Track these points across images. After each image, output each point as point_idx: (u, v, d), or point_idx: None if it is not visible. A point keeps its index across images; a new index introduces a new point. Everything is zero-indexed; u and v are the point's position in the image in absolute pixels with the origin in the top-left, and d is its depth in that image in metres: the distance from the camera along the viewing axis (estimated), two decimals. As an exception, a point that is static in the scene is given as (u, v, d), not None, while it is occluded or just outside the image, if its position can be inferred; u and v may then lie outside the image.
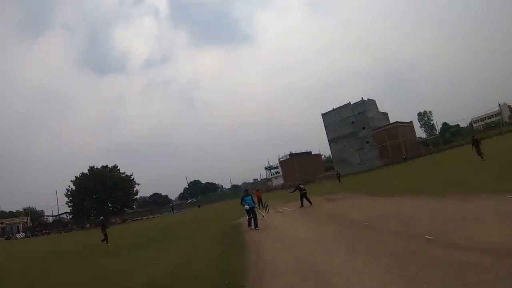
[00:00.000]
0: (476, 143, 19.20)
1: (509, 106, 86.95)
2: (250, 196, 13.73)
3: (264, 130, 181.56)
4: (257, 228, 12.82)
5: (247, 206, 13.24)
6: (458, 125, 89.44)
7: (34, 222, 75.22)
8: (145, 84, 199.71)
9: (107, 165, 74.89)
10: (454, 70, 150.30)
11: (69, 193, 70.83)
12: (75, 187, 70.77)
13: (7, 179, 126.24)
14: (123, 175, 75.27)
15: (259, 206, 21.73)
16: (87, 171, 72.77)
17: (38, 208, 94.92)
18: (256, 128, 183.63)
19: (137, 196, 78.90)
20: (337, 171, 45.67)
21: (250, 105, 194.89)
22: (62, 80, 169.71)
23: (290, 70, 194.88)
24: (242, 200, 13.60)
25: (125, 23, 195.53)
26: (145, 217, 76.92)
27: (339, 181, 37.66)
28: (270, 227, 12.90)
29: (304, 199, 17.99)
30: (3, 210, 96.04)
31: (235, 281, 6.05)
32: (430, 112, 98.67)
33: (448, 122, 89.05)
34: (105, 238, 17.30)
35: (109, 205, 74.05)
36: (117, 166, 75.77)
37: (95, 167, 73.55)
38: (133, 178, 76.35)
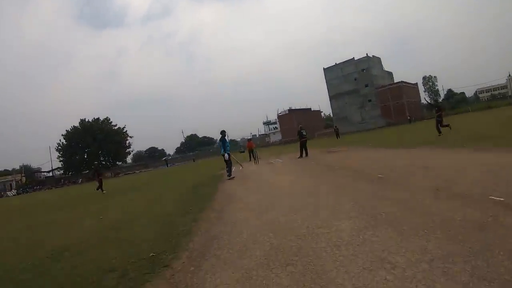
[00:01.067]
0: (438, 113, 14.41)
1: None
2: (221, 142, 12.26)
3: (265, 86, 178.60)
4: (229, 178, 11.35)
5: (226, 155, 11.72)
6: (463, 93, 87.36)
7: (28, 179, 74.05)
8: (144, 38, 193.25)
9: (98, 118, 71.74)
10: (462, 38, 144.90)
11: (59, 147, 68.43)
12: (66, 141, 68.23)
13: (4, 136, 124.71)
14: (115, 127, 72.48)
15: (250, 157, 20.41)
16: (78, 125, 69.79)
17: (34, 165, 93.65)
18: (257, 84, 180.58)
19: (130, 149, 76.32)
20: (336, 127, 42.60)
21: (251, 60, 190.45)
22: (58, 36, 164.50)
23: (295, 27, 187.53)
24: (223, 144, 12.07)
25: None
26: (138, 171, 75.85)
27: (337, 137, 35.51)
28: (252, 178, 10.56)
29: (303, 149, 15.67)
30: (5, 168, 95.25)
31: (167, 251, 3.75)
32: (435, 77, 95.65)
33: (452, 89, 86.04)
34: (100, 186, 16.66)
35: (101, 158, 72.02)
36: (109, 118, 72.69)
37: (86, 119, 70.42)
38: (126, 131, 73.54)
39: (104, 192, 16.08)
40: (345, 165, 9.35)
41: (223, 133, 12.39)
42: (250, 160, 19.46)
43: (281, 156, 20.63)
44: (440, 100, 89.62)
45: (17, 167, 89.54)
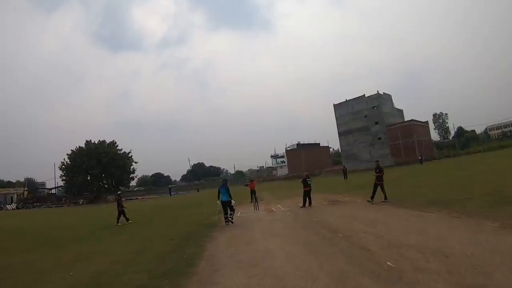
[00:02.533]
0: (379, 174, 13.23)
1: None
2: (224, 188, 12.25)
3: (274, 118, 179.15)
4: (230, 223, 11.86)
5: (219, 202, 12.19)
6: (474, 130, 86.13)
7: (31, 193, 73.66)
8: (159, 64, 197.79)
9: (104, 140, 71.56)
10: (473, 76, 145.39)
11: (63, 166, 68.02)
12: (70, 161, 67.88)
13: (15, 148, 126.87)
14: (121, 151, 71.99)
15: (251, 199, 18.83)
16: (83, 145, 69.52)
17: (39, 180, 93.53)
18: (266, 116, 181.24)
19: (134, 175, 75.31)
20: (344, 167, 41.71)
21: (261, 92, 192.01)
22: (76, 54, 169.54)
23: (306, 59, 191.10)
24: (218, 192, 12.31)
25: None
26: (140, 197, 74.69)
27: (345, 178, 34.56)
28: (244, 237, 9.22)
29: (306, 198, 14.84)
30: (2, 179, 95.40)
31: None
32: (446, 114, 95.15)
33: (463, 127, 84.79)
34: (119, 217, 15.77)
35: (104, 182, 71.19)
36: (115, 142, 72.39)
37: (92, 141, 70.30)
38: (131, 156, 73.00)
39: (119, 224, 15.26)
40: (351, 232, 7.83)
41: (224, 181, 13.41)
42: (251, 201, 18.23)
43: (285, 200, 19.43)
44: (451, 137, 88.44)
45: (22, 180, 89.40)
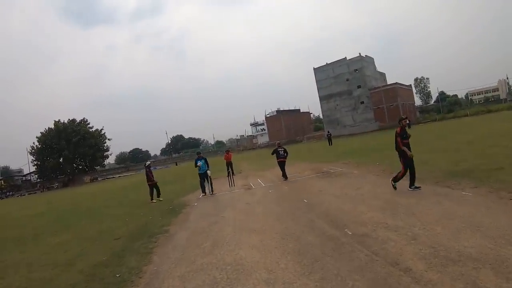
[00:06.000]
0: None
1: (508, 84, 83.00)
2: (203, 160, 12.84)
3: (253, 86, 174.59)
4: (212, 193, 12.54)
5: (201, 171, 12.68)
6: (456, 95, 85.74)
7: (5, 182, 69.39)
8: (133, 36, 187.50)
9: (74, 119, 66.86)
10: (453, 39, 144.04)
11: (33, 150, 63.74)
12: (40, 144, 63.44)
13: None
14: (92, 129, 67.79)
15: (227, 172, 16.66)
16: (53, 126, 64.84)
17: (15, 167, 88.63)
18: (245, 84, 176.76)
19: (108, 153, 71.41)
20: (329, 132, 39.39)
21: (239, 60, 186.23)
22: (45, 32, 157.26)
23: (284, 25, 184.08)
24: (196, 163, 12.86)
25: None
26: (117, 175, 71.84)
27: (330, 144, 32.50)
28: (208, 242, 6.22)
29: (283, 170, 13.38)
30: None
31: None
32: (427, 79, 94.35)
33: (445, 91, 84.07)
34: (152, 192, 13.24)
35: (78, 162, 67.41)
36: (86, 120, 67.94)
37: (61, 121, 65.58)
38: (104, 133, 69.01)
39: (160, 199, 13.01)
40: (364, 226, 5.26)
41: (198, 154, 13.69)
42: (228, 175, 15.76)
43: (266, 172, 17.08)
44: (433, 102, 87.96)
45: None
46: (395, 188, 7.50)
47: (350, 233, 5.08)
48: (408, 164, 7.20)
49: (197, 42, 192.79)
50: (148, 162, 14.51)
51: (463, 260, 3.46)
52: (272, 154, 14.20)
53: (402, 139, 7.19)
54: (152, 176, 13.35)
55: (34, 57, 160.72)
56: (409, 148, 7.18)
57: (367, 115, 60.01)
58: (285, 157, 13.54)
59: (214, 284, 4.09)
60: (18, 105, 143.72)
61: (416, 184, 7.25)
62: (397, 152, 7.46)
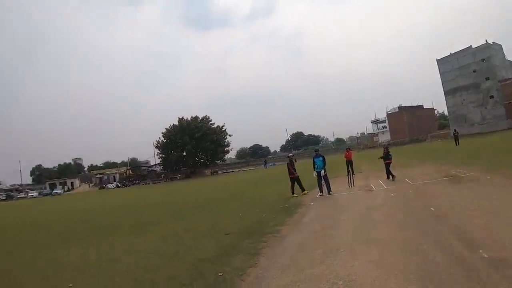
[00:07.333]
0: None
1: None
2: (320, 158, 12.82)
3: (373, 82, 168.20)
4: (330, 193, 12.39)
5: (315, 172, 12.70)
6: None
7: (134, 171, 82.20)
8: (249, 37, 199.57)
9: (197, 116, 75.60)
10: None
11: (158, 144, 73.77)
12: (165, 139, 73.03)
13: (122, 132, 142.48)
14: (214, 126, 75.07)
15: (347, 171, 16.16)
16: (177, 123, 74.23)
17: (142, 159, 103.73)
18: (364, 79, 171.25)
19: (229, 148, 78.94)
20: (455, 130, 35.96)
21: (357, 54, 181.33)
22: (168, 40, 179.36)
23: (399, 15, 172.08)
24: (313, 161, 12.86)
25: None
26: (236, 170, 77.73)
27: (457, 144, 29.91)
28: (320, 249, 5.71)
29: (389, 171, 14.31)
30: (114, 161, 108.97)
31: None
32: None
33: None
34: (293, 185, 13.30)
35: (200, 156, 75.54)
36: (208, 117, 76.25)
37: (185, 118, 74.53)
38: (225, 129, 76.04)
39: (305, 192, 13.20)
40: (499, 243, 4.55)
41: (316, 151, 13.70)
42: (347, 174, 15.69)
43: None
44: None
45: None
46: None
47: (486, 256, 4.22)
48: None
49: (313, 40, 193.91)
50: (291, 154, 15.71)
51: None
52: (381, 157, 15.13)
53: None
54: (294, 169, 13.23)
55: (160, 63, 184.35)
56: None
57: (497, 111, 52.61)
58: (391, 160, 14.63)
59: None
60: (152, 105, 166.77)
61: None
62: None
